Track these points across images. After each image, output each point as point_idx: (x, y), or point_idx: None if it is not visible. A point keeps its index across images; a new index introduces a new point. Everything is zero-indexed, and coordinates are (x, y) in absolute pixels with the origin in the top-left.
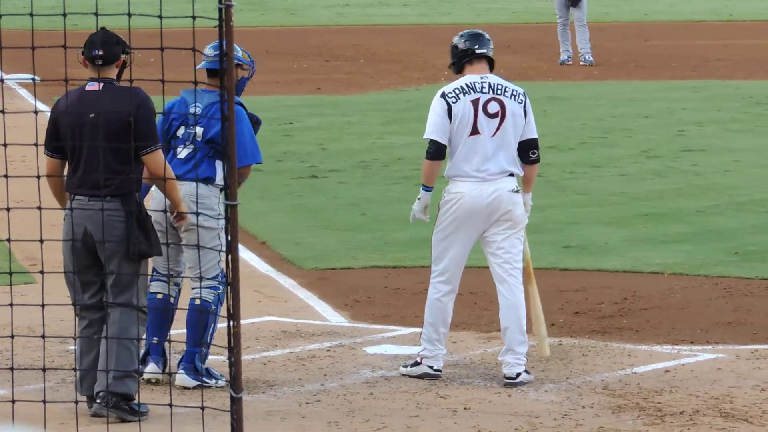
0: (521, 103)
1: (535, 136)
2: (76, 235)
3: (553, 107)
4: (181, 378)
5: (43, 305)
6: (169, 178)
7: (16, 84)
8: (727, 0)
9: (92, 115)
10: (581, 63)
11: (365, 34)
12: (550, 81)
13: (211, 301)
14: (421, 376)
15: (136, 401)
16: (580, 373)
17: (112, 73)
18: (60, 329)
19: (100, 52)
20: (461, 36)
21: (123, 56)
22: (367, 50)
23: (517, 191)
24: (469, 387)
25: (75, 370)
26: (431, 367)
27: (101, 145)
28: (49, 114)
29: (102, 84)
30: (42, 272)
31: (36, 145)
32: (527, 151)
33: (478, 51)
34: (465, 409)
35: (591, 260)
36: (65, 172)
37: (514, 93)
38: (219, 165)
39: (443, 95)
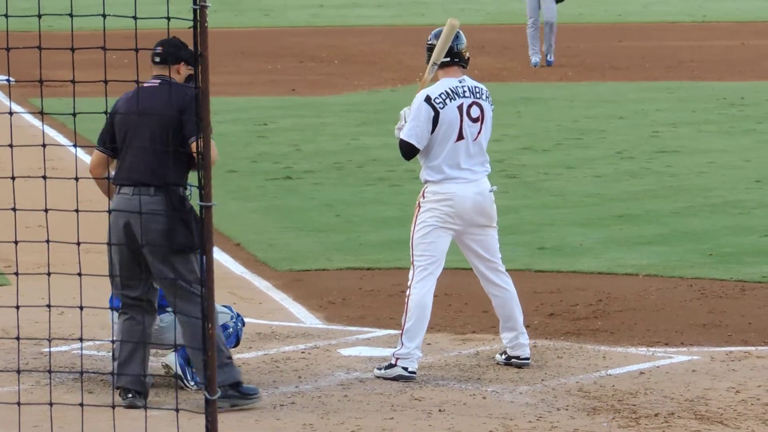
0: (492, 104)
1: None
2: (119, 231)
3: (527, 108)
4: (170, 356)
5: (17, 307)
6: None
7: None
8: (701, 1)
9: (142, 109)
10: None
11: (340, 35)
12: (524, 82)
13: (230, 324)
14: (395, 378)
15: (243, 385)
16: (555, 375)
17: (174, 76)
18: (34, 331)
19: (158, 49)
20: (435, 35)
21: (187, 66)
22: (342, 51)
23: (492, 190)
24: (443, 389)
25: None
26: (406, 369)
27: (149, 144)
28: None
29: (159, 81)
30: (17, 274)
31: (11, 146)
32: None
33: (451, 58)
34: (440, 411)
35: (566, 262)
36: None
37: (488, 95)
38: None
39: (429, 100)
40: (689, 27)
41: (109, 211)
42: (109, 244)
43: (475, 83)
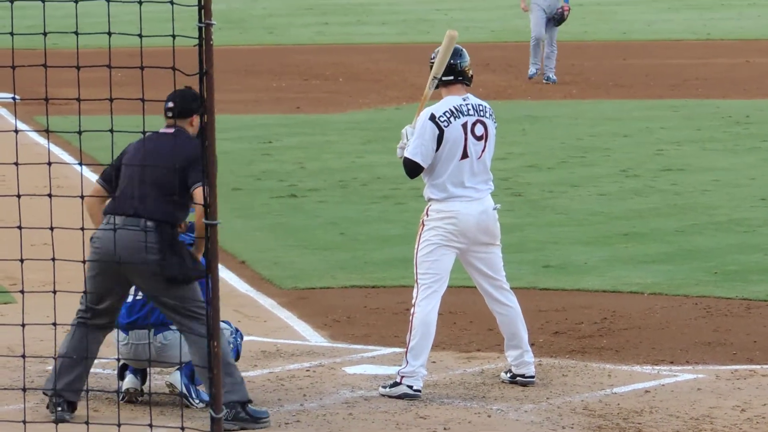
0: (495, 122)
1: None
2: (106, 257)
3: (532, 126)
4: (174, 375)
5: (23, 325)
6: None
7: None
8: (705, 19)
9: (153, 151)
10: (544, 81)
11: (344, 53)
12: (529, 100)
13: (230, 339)
14: (400, 396)
15: (252, 407)
16: (560, 394)
17: (188, 127)
18: (40, 349)
19: (171, 105)
20: (436, 54)
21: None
22: (347, 69)
23: (495, 208)
24: (449, 407)
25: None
26: (411, 387)
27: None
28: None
29: (174, 129)
30: (22, 292)
31: (17, 164)
32: None
33: (444, 79)
34: (445, 429)
35: (570, 280)
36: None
37: (491, 113)
38: None
39: (434, 118)
40: (694, 45)
41: (115, 229)
42: (118, 262)
43: (478, 101)
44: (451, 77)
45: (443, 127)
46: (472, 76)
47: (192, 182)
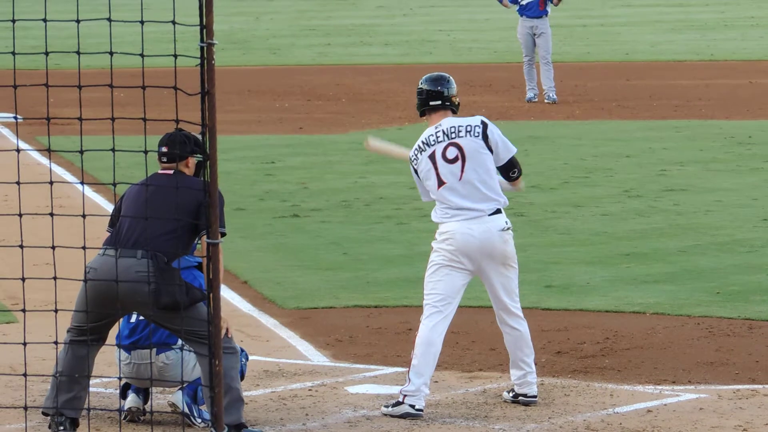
0: (478, 135)
1: (512, 154)
2: (102, 286)
3: (535, 147)
4: (176, 395)
5: (24, 344)
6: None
7: None
8: (708, 40)
9: (158, 185)
10: (545, 101)
11: (347, 74)
12: (531, 120)
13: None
14: (403, 416)
15: (248, 427)
16: (562, 413)
17: (183, 169)
18: (42, 368)
19: (163, 149)
20: (426, 80)
21: (194, 157)
22: (349, 89)
23: (506, 229)
24: (451, 427)
25: (54, 376)
26: (413, 407)
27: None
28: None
29: (173, 171)
30: (24, 311)
31: (18, 183)
32: (507, 171)
33: (432, 104)
34: None
35: (573, 300)
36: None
37: (469, 129)
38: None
39: (410, 160)
40: (696, 65)
41: (103, 252)
42: (115, 280)
43: (453, 122)
44: (439, 102)
45: (415, 167)
46: (459, 103)
47: (203, 228)
